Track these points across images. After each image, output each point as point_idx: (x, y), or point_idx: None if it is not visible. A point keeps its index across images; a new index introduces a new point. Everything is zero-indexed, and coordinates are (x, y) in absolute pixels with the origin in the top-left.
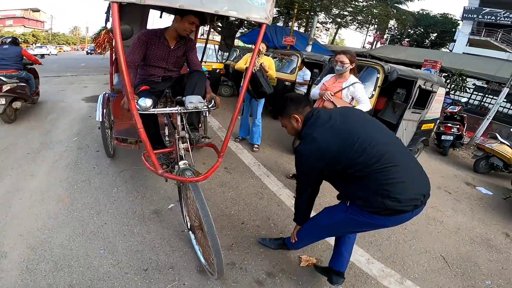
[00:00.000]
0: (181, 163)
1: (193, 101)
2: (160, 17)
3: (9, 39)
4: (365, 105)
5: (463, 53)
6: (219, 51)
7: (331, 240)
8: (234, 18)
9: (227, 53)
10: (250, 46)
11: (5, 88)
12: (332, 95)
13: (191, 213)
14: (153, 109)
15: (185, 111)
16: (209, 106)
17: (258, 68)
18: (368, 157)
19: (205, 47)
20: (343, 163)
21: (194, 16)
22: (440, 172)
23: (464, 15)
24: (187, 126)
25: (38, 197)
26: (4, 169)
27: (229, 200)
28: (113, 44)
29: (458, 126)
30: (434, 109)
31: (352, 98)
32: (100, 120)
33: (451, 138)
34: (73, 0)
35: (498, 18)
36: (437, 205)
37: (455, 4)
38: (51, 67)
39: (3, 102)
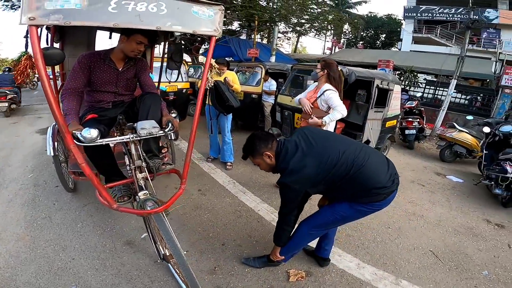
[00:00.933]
0: (140, 193)
1: (146, 127)
2: (110, 37)
3: (7, 68)
4: (338, 113)
5: (410, 50)
6: (167, 69)
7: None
8: (179, 33)
9: (177, 71)
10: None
11: (8, 96)
12: (311, 108)
13: (163, 242)
14: (100, 140)
15: (138, 138)
16: (166, 130)
17: (212, 85)
18: (341, 168)
19: (161, 67)
20: (324, 181)
21: (141, 35)
22: (410, 165)
23: (405, 14)
24: (143, 154)
25: None
26: None
27: (206, 222)
28: (59, 70)
29: (418, 120)
30: (394, 106)
31: (329, 107)
32: (52, 154)
33: (414, 131)
34: (22, 24)
35: (434, 14)
36: (414, 199)
37: (397, 4)
38: None
39: (7, 104)
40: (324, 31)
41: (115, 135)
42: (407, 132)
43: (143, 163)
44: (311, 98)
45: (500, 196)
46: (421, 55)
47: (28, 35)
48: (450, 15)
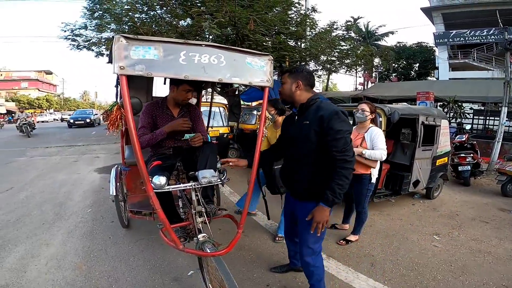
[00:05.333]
0: (200, 236)
1: (207, 176)
2: (164, 83)
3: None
4: (379, 153)
5: (450, 79)
6: (228, 120)
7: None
8: (237, 85)
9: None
10: (249, 104)
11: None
12: (363, 153)
13: (215, 282)
14: (168, 187)
15: (199, 186)
16: (222, 178)
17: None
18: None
19: (209, 112)
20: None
21: (188, 85)
22: (468, 203)
23: (436, 41)
24: (203, 200)
25: (54, 264)
26: (18, 238)
27: (250, 263)
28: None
29: (472, 155)
30: (443, 142)
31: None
32: (114, 194)
33: (469, 168)
34: (83, 63)
35: (467, 38)
36: (478, 236)
37: (424, 32)
38: (62, 136)
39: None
40: (355, 66)
41: (172, 180)
42: (460, 168)
43: (203, 208)
44: (356, 141)
45: None
46: (462, 83)
47: (119, 84)
48: (483, 37)
